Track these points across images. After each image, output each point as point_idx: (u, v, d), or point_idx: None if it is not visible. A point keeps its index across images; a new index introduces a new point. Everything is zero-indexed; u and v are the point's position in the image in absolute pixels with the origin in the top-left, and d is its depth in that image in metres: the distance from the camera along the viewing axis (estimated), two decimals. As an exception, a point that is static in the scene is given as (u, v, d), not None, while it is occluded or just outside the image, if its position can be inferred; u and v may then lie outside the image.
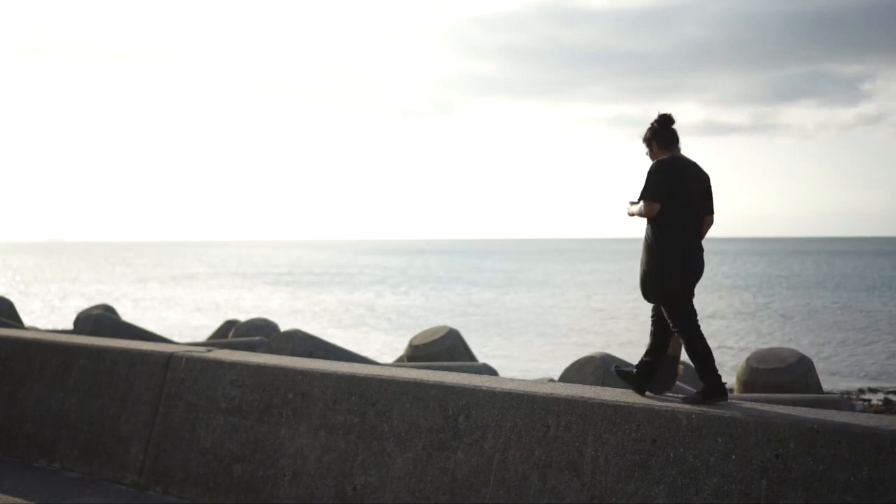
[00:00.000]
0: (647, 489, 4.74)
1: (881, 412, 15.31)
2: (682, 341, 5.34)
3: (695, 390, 10.15)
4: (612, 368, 5.51)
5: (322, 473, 6.03)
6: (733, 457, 4.54)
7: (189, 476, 6.73)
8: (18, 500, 6.63)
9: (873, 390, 20.50)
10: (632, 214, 5.42)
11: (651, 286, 5.35)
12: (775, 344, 29.03)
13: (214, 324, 31.71)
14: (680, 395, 5.30)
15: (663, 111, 5.53)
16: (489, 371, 11.56)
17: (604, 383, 8.99)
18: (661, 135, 5.49)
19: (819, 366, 12.04)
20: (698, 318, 5.39)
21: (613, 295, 56.07)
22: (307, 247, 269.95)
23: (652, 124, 5.53)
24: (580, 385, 6.25)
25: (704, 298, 50.69)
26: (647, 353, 5.47)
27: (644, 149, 5.58)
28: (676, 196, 5.29)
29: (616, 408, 4.99)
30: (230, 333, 16.47)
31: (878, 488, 4.16)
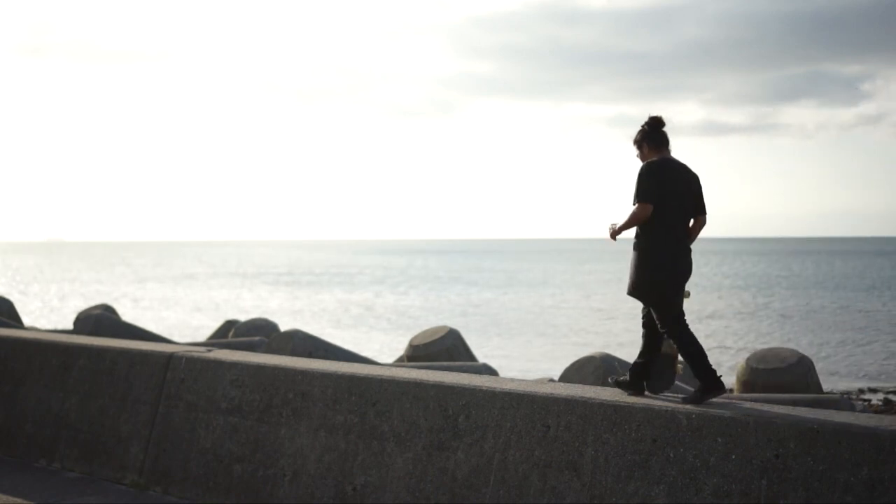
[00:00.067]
0: (647, 489, 4.74)
1: (881, 412, 15.31)
2: (673, 343, 5.35)
3: (691, 388, 10.18)
4: (609, 380, 5.50)
5: (322, 473, 6.03)
6: (733, 457, 4.54)
7: (189, 476, 6.73)
8: (18, 500, 6.64)
9: (873, 390, 20.50)
10: (615, 232, 5.40)
11: (643, 288, 5.36)
12: (775, 344, 29.04)
13: (214, 324, 31.72)
14: (680, 395, 5.30)
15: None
16: (489, 371, 11.56)
17: (604, 383, 8.99)
18: (652, 137, 5.52)
19: (819, 366, 12.04)
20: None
21: (613, 295, 56.08)
22: (307, 247, 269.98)
23: (643, 126, 5.57)
24: (580, 385, 6.25)
25: (704, 298, 50.69)
26: (640, 355, 5.49)
27: (635, 151, 5.61)
28: (667, 198, 5.32)
29: (616, 408, 4.99)
30: (230, 333, 16.47)
31: (878, 488, 4.16)
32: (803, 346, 28.11)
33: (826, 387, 16.23)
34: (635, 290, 5.41)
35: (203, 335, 27.87)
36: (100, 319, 14.39)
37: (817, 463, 4.33)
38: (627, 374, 5.48)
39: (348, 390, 6.12)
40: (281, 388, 6.46)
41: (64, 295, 58.18)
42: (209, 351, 7.29)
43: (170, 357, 7.21)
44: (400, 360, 13.95)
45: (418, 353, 12.81)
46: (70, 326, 18.18)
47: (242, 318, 24.91)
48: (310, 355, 11.21)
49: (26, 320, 26.04)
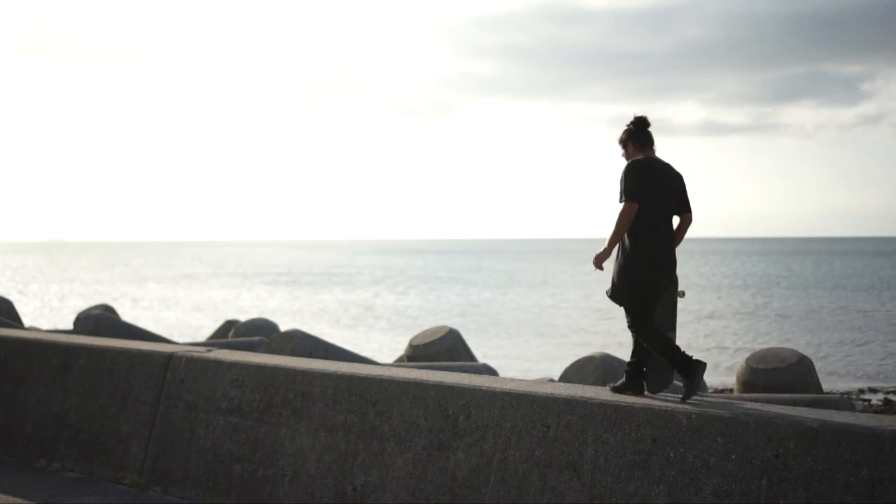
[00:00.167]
0: (647, 489, 4.74)
1: (881, 412, 15.32)
2: (641, 341, 5.40)
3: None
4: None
5: (322, 473, 6.03)
6: (733, 457, 4.54)
7: (189, 476, 6.73)
8: (18, 500, 6.64)
9: (873, 390, 20.50)
10: (604, 255, 5.39)
11: (627, 288, 5.38)
12: (774, 344, 29.05)
13: (214, 324, 31.72)
14: (679, 395, 5.31)
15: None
16: (489, 371, 11.57)
17: (604, 383, 8.99)
18: (637, 136, 5.59)
19: (818, 366, 12.05)
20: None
21: (613, 295, 55.88)
22: (307, 247, 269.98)
23: (628, 126, 5.64)
24: (580, 385, 6.26)
25: (703, 298, 50.69)
26: (633, 355, 5.52)
27: (620, 150, 5.67)
28: (652, 196, 5.37)
29: (616, 408, 4.99)
30: (230, 333, 16.47)
31: (878, 488, 4.16)
32: (802, 346, 28.12)
33: (826, 387, 16.24)
34: (617, 292, 5.43)
35: (203, 335, 27.86)
36: (100, 319, 14.39)
37: (817, 463, 4.33)
38: (624, 377, 5.50)
39: (348, 390, 6.12)
40: (281, 388, 6.46)
41: (64, 295, 58.17)
42: (209, 351, 7.29)
43: (170, 357, 7.21)
44: (400, 360, 13.96)
45: (418, 353, 12.82)
46: (70, 326, 18.18)
47: (242, 318, 24.91)
48: (310, 355, 11.21)
49: (26, 320, 26.03)
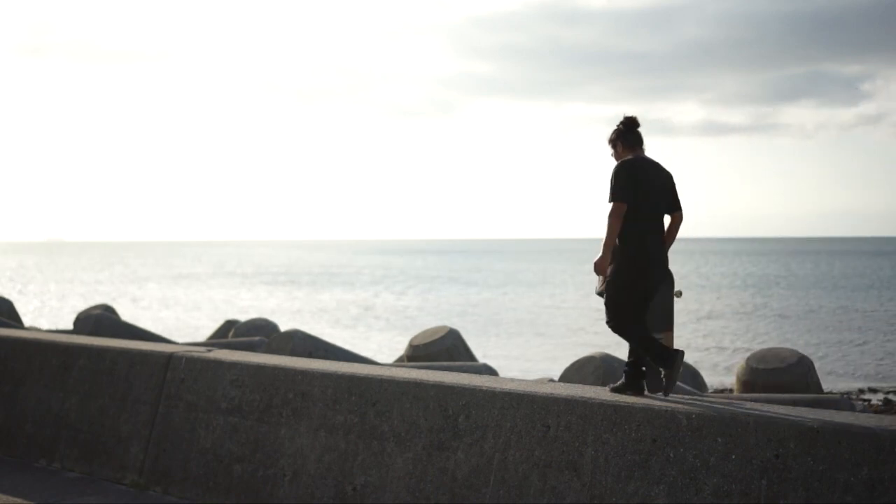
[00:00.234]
0: (647, 489, 4.74)
1: (881, 412, 15.32)
2: (621, 337, 5.46)
3: (691, 388, 10.18)
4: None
5: (322, 473, 6.04)
6: (733, 457, 4.54)
7: (189, 476, 6.73)
8: (18, 500, 6.64)
9: (873, 390, 20.51)
10: (602, 267, 5.40)
11: (611, 283, 5.42)
12: (773, 344, 29.05)
13: (214, 324, 31.71)
14: (679, 395, 5.31)
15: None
16: (489, 371, 11.57)
17: (604, 383, 8.99)
18: (626, 137, 5.62)
19: (817, 365, 12.05)
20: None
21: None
22: (307, 247, 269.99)
23: (617, 126, 5.68)
24: (580, 385, 6.26)
25: (703, 298, 50.69)
26: (630, 355, 5.54)
27: (609, 150, 5.71)
28: (641, 196, 5.40)
29: (616, 408, 4.99)
30: (230, 333, 16.47)
31: (878, 488, 4.16)
32: (801, 346, 28.11)
33: (826, 387, 16.23)
34: (603, 287, 5.48)
35: (203, 335, 27.86)
36: (100, 319, 14.40)
37: (817, 463, 4.33)
38: (623, 377, 5.51)
39: (348, 390, 6.12)
40: (281, 388, 6.46)
41: (64, 295, 58.17)
42: (209, 351, 7.29)
43: (170, 357, 7.21)
44: (400, 360, 13.96)
45: (418, 353, 12.82)
46: (70, 326, 18.18)
47: (242, 318, 24.91)
48: (310, 355, 11.21)
49: (26, 320, 26.03)
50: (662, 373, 5.30)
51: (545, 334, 33.99)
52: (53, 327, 26.34)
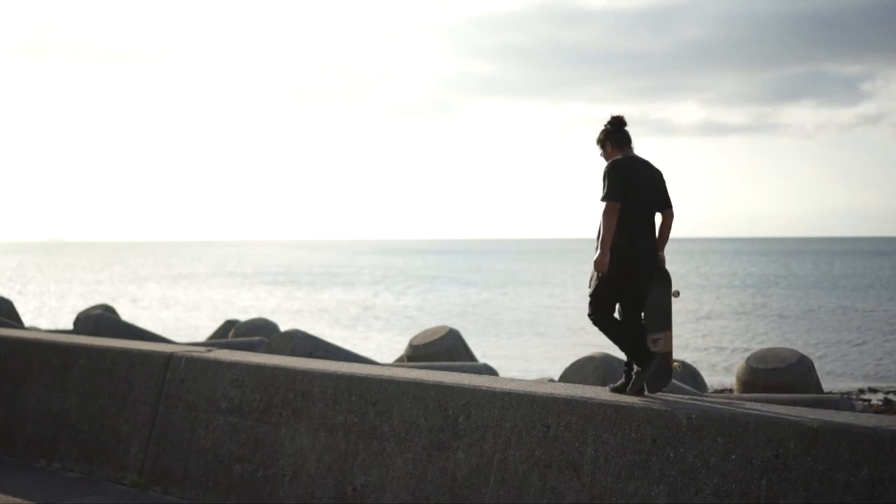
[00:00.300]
0: (647, 489, 4.74)
1: (881, 412, 15.32)
2: (600, 330, 5.50)
3: (691, 388, 10.19)
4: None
5: (322, 473, 6.04)
6: (733, 457, 4.55)
7: (189, 476, 6.73)
8: (18, 500, 6.64)
9: (873, 390, 20.51)
10: (603, 258, 5.41)
11: (600, 278, 5.44)
12: (773, 344, 29.05)
13: (214, 324, 31.72)
14: (678, 395, 5.32)
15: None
16: (489, 371, 11.57)
17: (604, 383, 9.00)
18: (615, 136, 5.65)
19: (818, 366, 12.06)
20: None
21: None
22: (307, 247, 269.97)
23: (605, 126, 5.71)
24: (580, 385, 6.26)
25: (702, 298, 50.70)
26: (627, 356, 5.53)
27: (598, 150, 5.74)
28: (633, 195, 5.44)
29: (616, 408, 4.99)
30: (230, 333, 16.47)
31: (878, 488, 4.16)
32: (800, 345, 28.11)
33: (826, 387, 16.24)
34: (592, 282, 5.51)
35: (203, 335, 27.86)
36: (100, 319, 14.40)
37: (817, 463, 4.33)
38: (623, 377, 5.52)
39: (348, 390, 6.12)
40: (281, 388, 6.46)
41: (63, 295, 58.16)
42: (209, 351, 7.29)
43: (170, 357, 7.21)
44: (400, 360, 13.96)
45: (418, 353, 12.82)
46: (70, 326, 18.18)
47: (242, 318, 24.91)
48: (310, 355, 11.21)
49: (26, 320, 26.03)
50: (634, 370, 5.38)
51: (545, 334, 34.00)
52: (53, 327, 26.34)
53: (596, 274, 5.49)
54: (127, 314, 35.00)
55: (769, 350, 11.18)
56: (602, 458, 4.93)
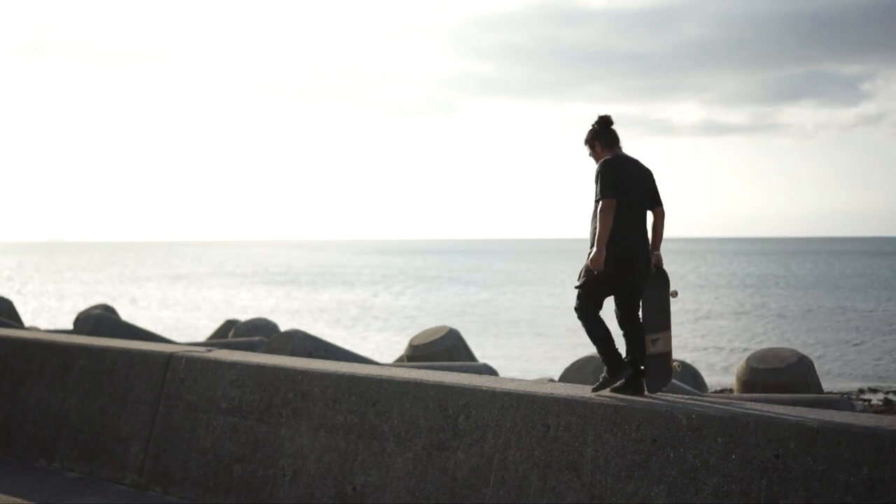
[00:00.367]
0: (647, 489, 4.75)
1: (881, 412, 15.32)
2: (582, 325, 5.55)
3: (691, 388, 10.19)
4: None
5: (322, 473, 6.04)
6: (733, 457, 4.55)
7: (189, 476, 6.73)
8: (18, 500, 6.64)
9: (873, 390, 20.52)
10: (598, 256, 5.41)
11: (590, 273, 5.47)
12: (771, 344, 29.06)
13: (214, 324, 31.71)
14: (678, 395, 5.32)
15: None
16: (489, 371, 11.57)
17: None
18: (603, 136, 5.69)
19: (817, 365, 12.06)
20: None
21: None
22: (307, 247, 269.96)
23: (593, 126, 5.74)
24: (580, 385, 6.26)
25: (701, 298, 50.70)
26: (626, 354, 5.56)
27: (587, 150, 5.76)
28: (626, 193, 5.47)
29: (616, 408, 5.00)
30: (230, 333, 16.47)
31: (878, 488, 4.16)
32: (800, 345, 28.12)
33: (826, 387, 16.24)
34: (581, 277, 5.54)
35: (203, 335, 27.86)
36: (100, 319, 14.39)
37: (817, 463, 4.33)
38: (623, 378, 5.52)
39: (348, 390, 6.12)
40: (281, 388, 6.46)
41: (63, 295, 58.15)
42: (209, 351, 7.29)
43: (170, 357, 7.21)
44: (400, 360, 13.96)
45: (418, 353, 12.82)
46: (70, 326, 18.17)
47: (242, 318, 24.91)
48: (310, 355, 11.21)
49: (26, 320, 26.02)
50: (605, 371, 5.41)
51: (545, 334, 33.99)
52: (53, 327, 26.34)
53: (585, 269, 5.51)
54: (127, 314, 34.99)
55: (769, 350, 11.18)
56: (602, 458, 4.93)
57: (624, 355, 5.55)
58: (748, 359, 10.97)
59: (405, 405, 5.81)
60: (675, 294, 5.61)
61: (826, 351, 28.41)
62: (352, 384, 6.12)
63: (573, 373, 10.11)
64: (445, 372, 6.27)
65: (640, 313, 5.60)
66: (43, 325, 30.41)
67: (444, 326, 13.55)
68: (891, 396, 19.17)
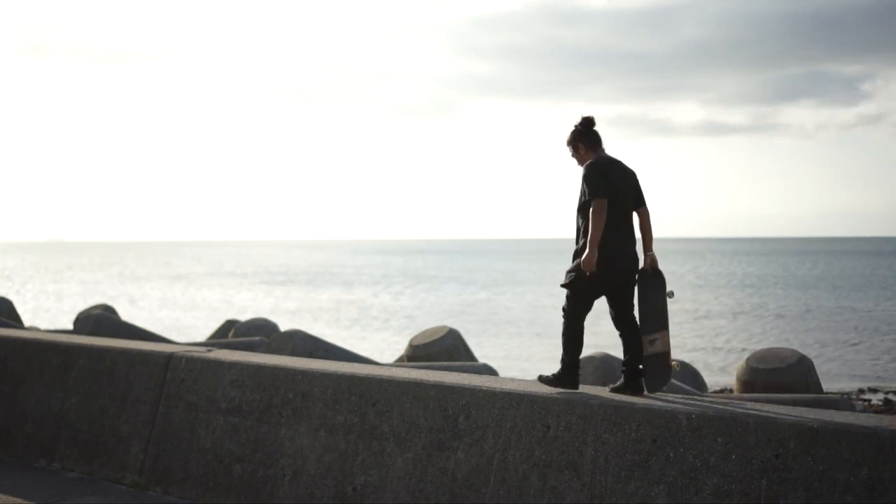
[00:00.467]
0: (647, 489, 4.75)
1: (881, 412, 15.32)
2: (563, 323, 5.61)
3: (691, 388, 10.20)
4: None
5: (322, 473, 6.04)
6: (733, 457, 4.55)
7: (189, 476, 6.73)
8: (18, 500, 6.64)
9: (873, 390, 20.51)
10: (591, 256, 5.42)
11: (579, 273, 5.49)
12: (770, 344, 29.05)
13: (214, 324, 31.70)
14: (678, 395, 5.32)
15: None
16: (489, 371, 11.57)
17: (604, 383, 9.00)
18: (587, 137, 5.71)
19: (817, 365, 12.06)
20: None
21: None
22: (307, 247, 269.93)
23: (575, 127, 5.75)
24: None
25: (701, 298, 50.70)
26: (624, 354, 5.59)
27: (569, 151, 5.77)
28: (612, 193, 5.49)
29: (616, 408, 5.00)
30: (230, 333, 16.47)
31: (878, 488, 4.16)
32: (799, 345, 28.12)
33: (826, 387, 16.24)
34: (568, 276, 5.59)
35: (203, 335, 27.85)
36: (100, 319, 14.39)
37: (817, 463, 4.33)
38: (622, 377, 5.53)
39: (348, 390, 6.12)
40: (281, 388, 6.46)
41: (63, 295, 58.14)
42: (209, 351, 7.29)
43: (170, 357, 7.22)
44: (400, 360, 13.96)
45: (418, 353, 12.82)
46: (69, 326, 18.17)
47: (242, 317, 24.90)
48: (310, 355, 11.21)
49: (26, 320, 26.02)
50: (559, 369, 5.49)
51: (544, 334, 33.98)
52: (53, 327, 26.34)
53: (574, 269, 5.51)
54: (126, 314, 34.99)
55: (769, 350, 11.18)
56: (602, 458, 4.93)
57: (622, 356, 5.57)
58: (748, 359, 10.98)
59: (405, 405, 5.81)
60: (672, 295, 5.61)
61: (825, 351, 28.41)
62: (352, 384, 6.12)
63: (573, 373, 10.09)
64: (445, 372, 6.27)
65: (637, 314, 5.61)
66: (43, 325, 30.41)
67: (444, 326, 13.55)
68: (891, 396, 19.16)
